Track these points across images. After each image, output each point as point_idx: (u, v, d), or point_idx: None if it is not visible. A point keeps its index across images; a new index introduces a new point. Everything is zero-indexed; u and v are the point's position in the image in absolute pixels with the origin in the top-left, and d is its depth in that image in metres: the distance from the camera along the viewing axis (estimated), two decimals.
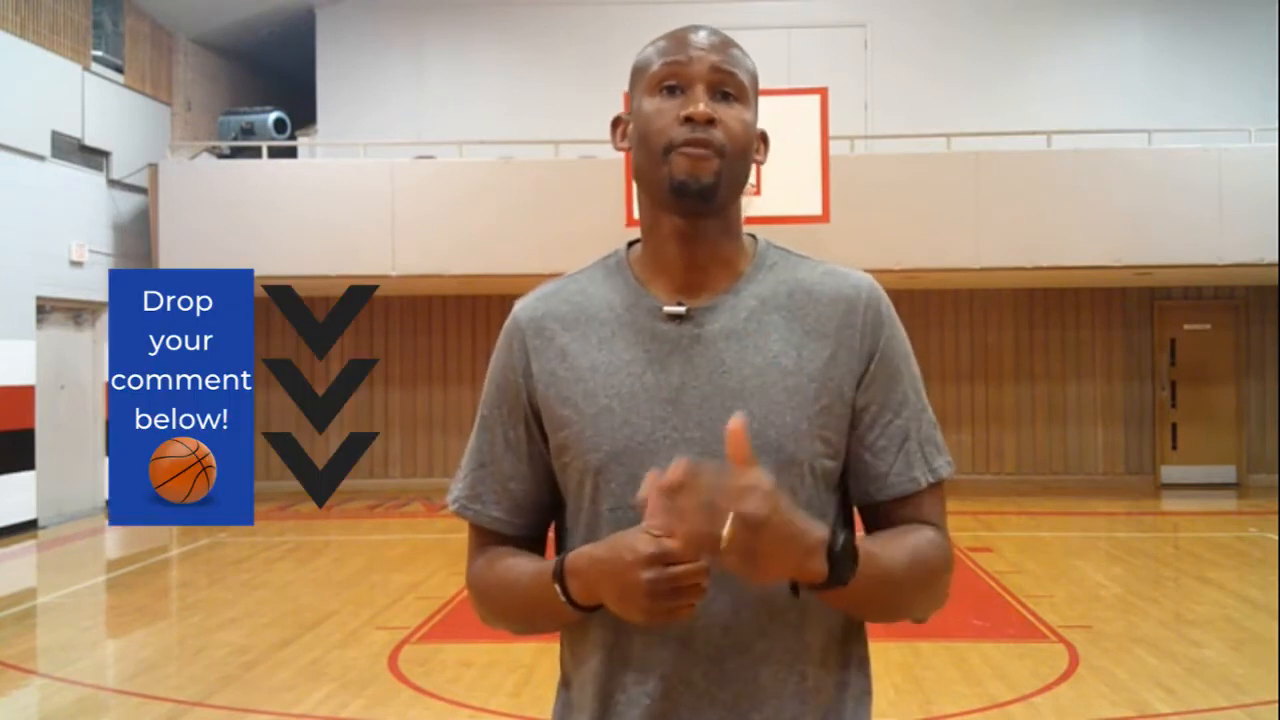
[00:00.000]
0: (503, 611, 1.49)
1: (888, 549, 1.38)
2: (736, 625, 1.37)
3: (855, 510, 1.51)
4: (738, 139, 1.40)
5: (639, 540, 1.25)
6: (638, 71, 1.47)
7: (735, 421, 1.24)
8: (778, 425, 1.38)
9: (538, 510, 1.51)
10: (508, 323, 1.51)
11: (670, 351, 1.41)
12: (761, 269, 1.46)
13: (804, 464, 1.39)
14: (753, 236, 1.51)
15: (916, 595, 1.42)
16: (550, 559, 1.44)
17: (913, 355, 1.48)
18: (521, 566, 1.45)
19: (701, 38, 1.43)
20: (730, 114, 1.40)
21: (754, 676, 1.38)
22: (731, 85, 1.41)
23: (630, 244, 1.53)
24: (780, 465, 1.37)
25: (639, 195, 1.48)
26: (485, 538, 1.51)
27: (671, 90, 1.41)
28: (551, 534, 1.54)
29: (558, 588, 1.36)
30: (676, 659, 1.38)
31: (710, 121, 1.38)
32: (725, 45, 1.44)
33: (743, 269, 1.46)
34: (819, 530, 1.28)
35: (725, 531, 1.20)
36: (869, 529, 1.48)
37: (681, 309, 1.42)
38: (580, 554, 1.34)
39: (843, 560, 1.28)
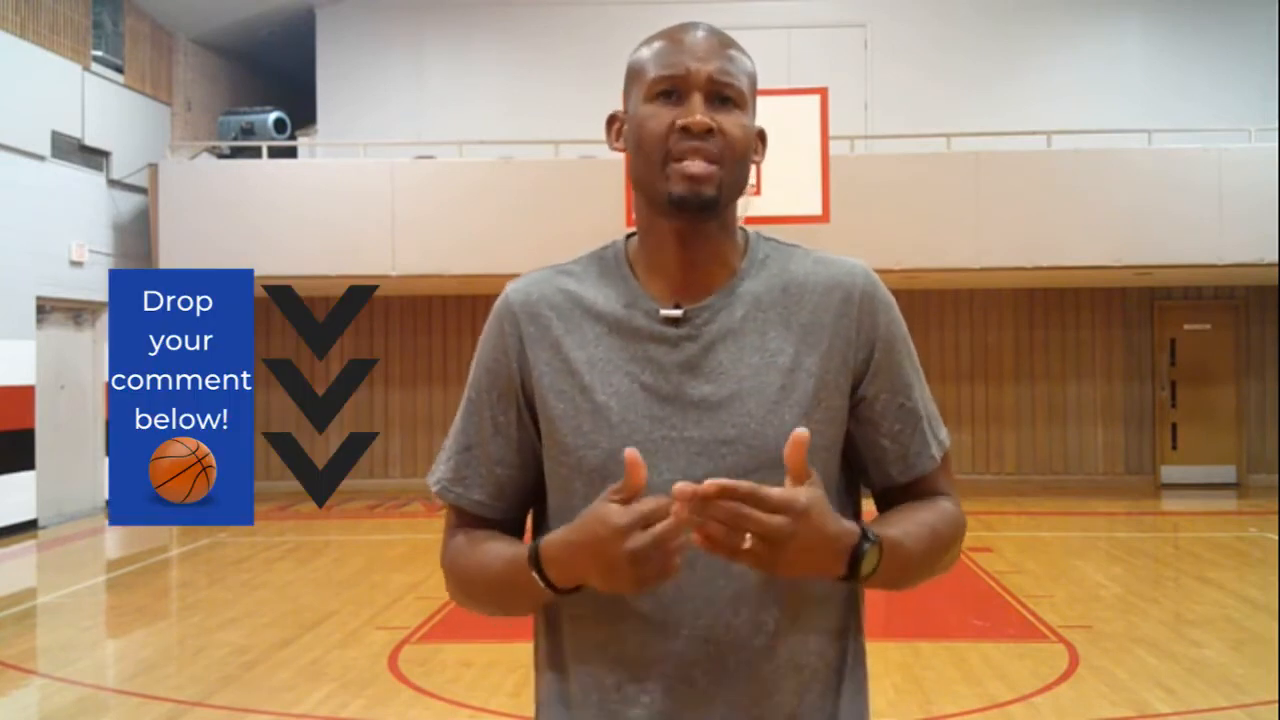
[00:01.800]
0: (477, 594, 1.48)
1: (911, 534, 1.39)
2: (736, 622, 1.37)
3: (860, 492, 1.52)
4: (736, 145, 1.40)
5: (610, 513, 1.25)
6: (633, 73, 1.45)
7: (800, 433, 1.26)
8: (775, 424, 1.38)
9: (521, 495, 1.50)
10: (499, 305, 1.49)
11: (668, 352, 1.41)
12: (754, 265, 1.46)
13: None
14: (743, 230, 1.50)
15: (932, 570, 1.45)
16: (526, 543, 1.42)
17: (909, 333, 1.50)
18: (497, 551, 1.43)
19: (699, 40, 1.41)
20: (729, 120, 1.39)
21: (754, 672, 1.38)
22: (730, 92, 1.40)
23: (628, 236, 1.52)
24: (779, 463, 1.37)
25: (635, 196, 1.47)
26: (465, 520, 1.50)
27: (668, 96, 1.40)
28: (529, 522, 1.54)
29: (535, 574, 1.34)
30: (676, 658, 1.37)
31: (709, 131, 1.38)
32: (723, 48, 1.42)
33: (737, 266, 1.46)
34: (848, 536, 1.30)
35: (746, 542, 1.22)
36: (882, 508, 1.49)
37: (678, 311, 1.42)
38: (554, 540, 1.33)
39: (864, 564, 1.30)
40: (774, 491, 1.23)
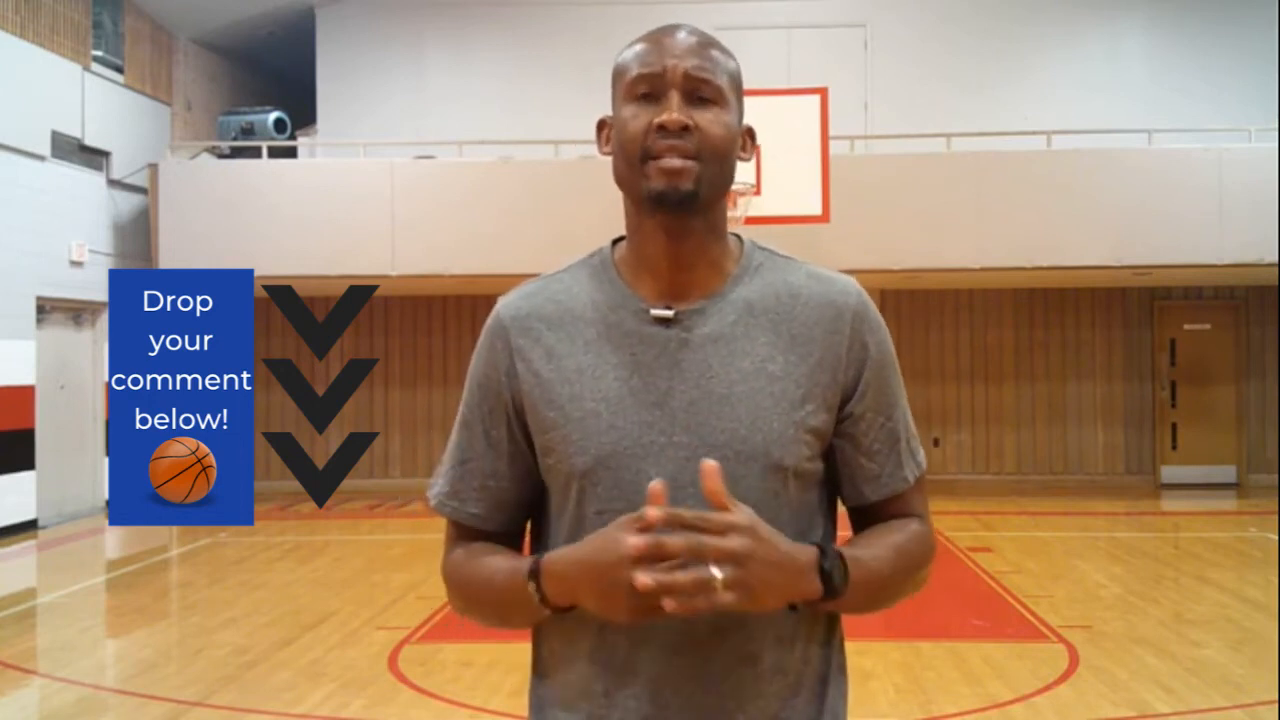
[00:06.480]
0: (476, 605, 1.48)
1: (874, 552, 1.41)
2: (722, 628, 1.37)
3: (836, 506, 1.52)
4: (715, 142, 1.39)
5: (623, 539, 1.25)
6: (617, 76, 1.46)
7: (709, 465, 1.26)
8: (764, 430, 1.38)
9: (516, 508, 1.51)
10: (490, 321, 1.49)
11: (657, 355, 1.41)
12: (748, 271, 1.46)
13: (789, 468, 1.39)
14: (738, 237, 1.50)
15: (902, 589, 1.46)
16: (526, 557, 1.43)
17: (895, 354, 1.50)
18: (497, 563, 1.44)
19: (679, 41, 1.41)
20: (706, 117, 1.39)
21: (739, 678, 1.38)
22: (708, 90, 1.40)
23: (615, 241, 1.52)
24: (766, 469, 1.38)
25: (623, 198, 1.48)
26: (463, 533, 1.51)
27: (647, 96, 1.40)
28: (529, 532, 1.54)
29: (531, 587, 1.35)
30: (663, 663, 1.38)
31: (685, 128, 1.37)
32: (703, 47, 1.42)
33: (729, 271, 1.46)
34: (806, 552, 1.32)
35: (717, 572, 1.22)
36: (857, 525, 1.50)
37: (669, 312, 1.42)
38: (559, 555, 1.34)
39: (835, 575, 1.32)
40: (713, 515, 1.25)
